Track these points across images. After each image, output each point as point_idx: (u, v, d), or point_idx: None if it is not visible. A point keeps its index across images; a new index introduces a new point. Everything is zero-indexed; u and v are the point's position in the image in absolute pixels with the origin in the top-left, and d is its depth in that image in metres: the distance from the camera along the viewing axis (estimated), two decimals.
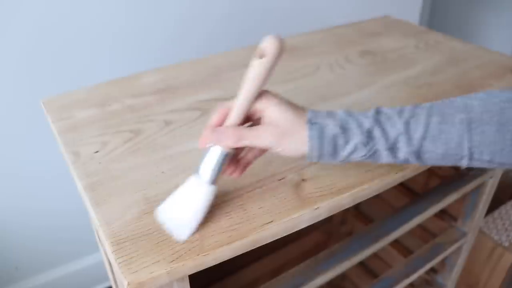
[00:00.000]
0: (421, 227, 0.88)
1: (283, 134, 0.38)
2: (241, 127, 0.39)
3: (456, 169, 0.72)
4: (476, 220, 0.76)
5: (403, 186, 0.83)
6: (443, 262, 0.84)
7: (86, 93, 0.62)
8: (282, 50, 0.37)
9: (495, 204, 1.05)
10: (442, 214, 0.80)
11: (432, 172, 0.83)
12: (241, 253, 0.39)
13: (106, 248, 0.39)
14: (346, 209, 0.46)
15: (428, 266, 0.72)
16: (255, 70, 0.38)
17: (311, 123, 0.38)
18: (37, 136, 0.92)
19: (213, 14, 1.03)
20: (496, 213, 1.15)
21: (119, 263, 0.36)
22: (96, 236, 0.68)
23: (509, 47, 1.72)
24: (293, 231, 0.42)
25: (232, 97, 0.62)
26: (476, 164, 0.38)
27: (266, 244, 0.41)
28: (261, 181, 0.45)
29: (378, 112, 0.39)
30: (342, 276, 1.11)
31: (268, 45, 0.37)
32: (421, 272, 0.71)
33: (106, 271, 0.72)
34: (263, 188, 0.45)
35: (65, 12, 0.85)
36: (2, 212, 0.97)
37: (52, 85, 0.88)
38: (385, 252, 0.96)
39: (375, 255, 0.80)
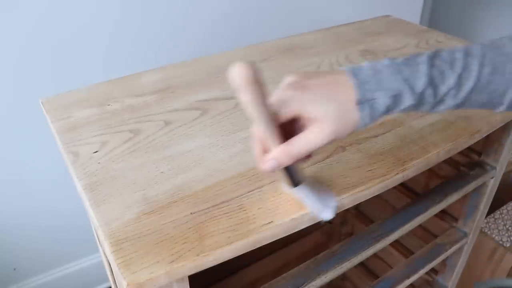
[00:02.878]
0: (421, 227, 0.88)
1: (335, 129, 0.36)
2: (288, 144, 0.37)
3: (457, 169, 0.72)
4: (477, 221, 0.75)
5: (403, 186, 0.83)
6: (443, 263, 0.84)
7: (85, 93, 0.62)
8: (254, 77, 0.34)
9: (496, 205, 1.05)
10: (443, 214, 0.79)
11: (432, 172, 0.82)
12: (241, 253, 0.39)
13: (106, 249, 0.38)
14: (346, 209, 0.46)
15: (428, 267, 0.71)
16: (247, 103, 0.35)
17: (360, 103, 0.36)
18: (36, 136, 0.92)
19: (213, 14, 1.02)
20: (497, 214, 1.15)
21: (119, 263, 0.36)
22: (96, 237, 0.68)
23: None
24: (294, 231, 0.42)
25: (231, 97, 0.62)
26: (509, 110, 0.39)
27: (266, 245, 0.41)
28: (261, 181, 0.45)
29: (432, 61, 0.37)
30: (343, 277, 1.11)
31: (238, 78, 0.34)
32: (421, 272, 0.70)
33: (105, 272, 0.72)
34: (263, 188, 0.44)
35: (64, 12, 0.85)
36: (0, 213, 0.97)
37: (51, 85, 0.88)
38: (385, 252, 0.95)
39: (375, 256, 0.79)
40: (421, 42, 0.79)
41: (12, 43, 0.83)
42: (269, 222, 0.40)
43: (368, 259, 0.58)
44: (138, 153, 0.50)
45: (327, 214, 0.41)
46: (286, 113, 0.37)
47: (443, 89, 0.37)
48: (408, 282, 0.69)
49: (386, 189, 0.47)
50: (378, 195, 0.47)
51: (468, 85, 0.37)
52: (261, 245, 0.40)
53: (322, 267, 0.54)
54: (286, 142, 0.37)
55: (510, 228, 1.10)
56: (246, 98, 0.34)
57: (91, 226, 0.69)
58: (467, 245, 0.79)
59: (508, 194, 1.25)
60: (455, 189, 0.65)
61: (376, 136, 0.53)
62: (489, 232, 1.08)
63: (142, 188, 0.44)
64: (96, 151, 0.50)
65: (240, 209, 0.42)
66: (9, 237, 1.00)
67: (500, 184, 0.74)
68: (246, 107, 0.35)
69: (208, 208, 0.42)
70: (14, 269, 1.05)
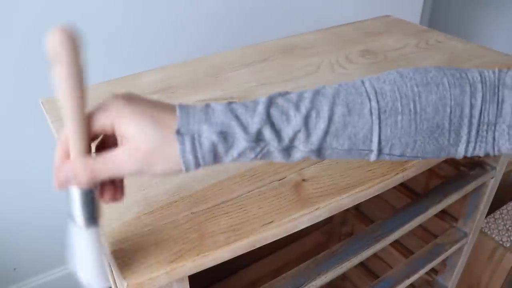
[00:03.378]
0: (421, 227, 0.88)
1: (148, 155, 0.30)
2: (92, 158, 0.31)
3: (457, 169, 0.72)
4: (477, 221, 0.75)
5: (403, 186, 0.83)
6: (443, 263, 0.84)
7: None
8: (75, 44, 0.29)
9: (496, 205, 1.05)
10: (443, 214, 0.79)
11: (432, 172, 0.82)
12: (241, 253, 0.39)
13: (106, 249, 0.38)
14: (346, 209, 0.46)
15: (428, 267, 0.71)
16: (60, 83, 0.29)
17: (179, 134, 0.30)
18: (36, 136, 0.92)
19: (213, 14, 1.02)
20: (497, 214, 1.15)
21: (119, 263, 0.36)
22: None
23: (509, 47, 1.72)
24: (293, 231, 0.42)
25: (231, 97, 0.62)
26: (384, 158, 0.34)
27: (266, 245, 0.41)
28: (261, 181, 0.45)
29: (271, 103, 0.32)
30: (343, 277, 1.11)
31: (56, 45, 0.28)
32: (421, 272, 0.70)
33: None
34: (263, 188, 0.44)
35: (64, 12, 0.85)
36: (0, 213, 0.97)
37: (51, 85, 0.88)
38: (385, 252, 0.95)
39: (375, 256, 0.79)
40: (421, 42, 0.79)
41: (12, 43, 0.83)
42: (269, 222, 0.40)
43: (368, 259, 0.58)
44: None
45: (89, 283, 0.33)
46: (101, 121, 0.31)
47: (288, 131, 0.32)
48: (408, 282, 0.69)
49: (386, 189, 0.47)
50: (378, 195, 0.47)
51: (320, 127, 0.32)
52: (261, 245, 0.40)
53: (322, 267, 0.54)
54: (91, 156, 0.31)
55: (510, 228, 1.10)
56: (61, 69, 0.28)
57: None
58: (467, 245, 0.79)
59: (508, 194, 1.25)
60: (455, 189, 0.65)
61: None
62: (489, 232, 1.08)
63: (142, 188, 0.44)
64: None
65: (240, 209, 0.42)
66: (9, 237, 1.00)
67: (500, 184, 0.74)
68: (58, 88, 0.29)
69: (208, 208, 0.42)
70: (14, 269, 1.05)
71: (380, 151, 0.33)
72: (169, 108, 0.32)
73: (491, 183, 0.71)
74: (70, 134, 0.30)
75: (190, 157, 0.31)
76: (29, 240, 1.03)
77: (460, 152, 0.35)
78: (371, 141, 0.33)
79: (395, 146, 0.33)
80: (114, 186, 0.34)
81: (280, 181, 0.46)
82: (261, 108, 0.32)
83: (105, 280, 0.34)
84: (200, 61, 0.72)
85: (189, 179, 0.45)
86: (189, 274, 0.38)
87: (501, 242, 1.06)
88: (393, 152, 0.33)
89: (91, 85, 0.65)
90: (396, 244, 0.88)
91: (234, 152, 0.32)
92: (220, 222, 0.40)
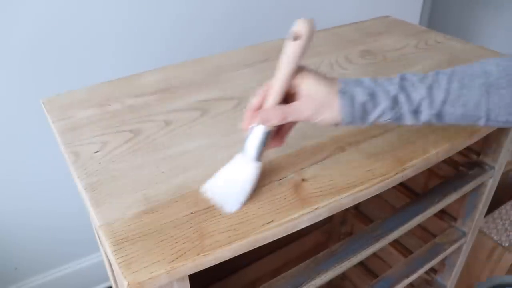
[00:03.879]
0: (421, 227, 0.88)
1: (320, 106, 0.41)
2: (283, 105, 0.42)
3: (456, 169, 0.72)
4: (476, 220, 0.76)
5: (403, 186, 0.83)
6: (442, 262, 0.84)
7: (86, 93, 0.62)
8: (313, 32, 0.41)
9: (495, 204, 1.05)
10: (442, 214, 0.80)
11: (432, 172, 0.83)
12: (241, 253, 0.39)
13: (106, 248, 0.39)
14: (346, 209, 0.46)
15: (428, 266, 0.72)
16: (291, 50, 0.41)
17: (342, 92, 0.41)
18: (37, 136, 0.92)
19: (213, 14, 1.03)
20: (496, 213, 1.15)
21: (119, 263, 0.36)
22: (96, 236, 0.68)
23: (509, 47, 1.72)
24: (293, 231, 0.42)
25: (231, 97, 0.63)
26: (492, 124, 0.42)
27: (266, 244, 0.41)
28: (261, 181, 0.45)
29: (402, 78, 0.42)
30: (342, 276, 1.11)
31: (301, 27, 0.40)
32: (421, 272, 0.71)
33: (106, 271, 0.72)
34: (263, 188, 0.45)
35: (65, 12, 0.85)
36: (1, 213, 0.97)
37: (52, 85, 0.88)
38: (385, 252, 0.96)
39: (375, 255, 0.80)
40: (421, 42, 0.80)
41: (13, 43, 0.83)
42: (269, 222, 0.40)
43: (367, 258, 0.59)
44: (139, 153, 0.50)
45: (231, 208, 0.42)
46: (294, 82, 0.42)
47: (415, 96, 0.41)
48: (407, 281, 0.69)
49: (385, 189, 0.48)
50: (377, 195, 0.48)
51: (440, 96, 0.41)
52: (261, 245, 0.40)
53: (322, 266, 0.54)
54: (282, 105, 0.42)
55: (508, 227, 1.10)
56: (293, 49, 0.40)
57: (92, 226, 0.69)
58: (466, 244, 0.79)
59: (506, 193, 1.25)
60: (454, 189, 0.66)
61: (376, 136, 0.53)
62: (488, 232, 1.09)
63: (142, 188, 0.45)
64: (97, 151, 0.50)
65: (240, 208, 0.42)
66: (10, 237, 1.01)
67: (498, 183, 0.75)
68: (283, 60, 0.41)
69: (208, 207, 0.42)
70: (15, 268, 1.05)
71: (487, 118, 0.41)
72: (332, 78, 0.43)
73: (490, 183, 0.71)
74: (274, 89, 0.42)
75: (347, 109, 0.41)
76: (30, 240, 1.03)
77: None
78: (480, 109, 0.41)
79: (500, 114, 0.40)
80: (280, 135, 0.45)
81: (280, 181, 0.46)
82: (396, 80, 0.42)
83: (239, 208, 0.42)
84: (201, 61, 0.72)
85: (189, 179, 0.46)
86: (189, 274, 0.38)
87: (499, 242, 1.06)
88: (499, 119, 0.41)
89: (93, 86, 0.65)
90: (395, 243, 0.88)
91: (378, 110, 0.42)
92: (220, 222, 0.40)
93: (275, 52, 0.76)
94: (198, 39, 1.03)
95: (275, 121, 0.42)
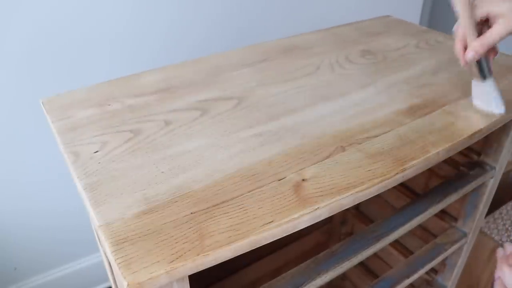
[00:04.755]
0: (421, 227, 0.88)
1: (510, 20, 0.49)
2: (481, 38, 0.51)
3: (456, 169, 0.72)
4: (476, 221, 0.75)
5: (403, 186, 0.83)
6: (443, 263, 0.84)
7: (86, 93, 0.62)
8: None
9: (495, 204, 1.05)
10: (443, 214, 0.80)
11: (432, 172, 0.83)
12: (241, 253, 0.39)
13: (106, 249, 0.39)
14: (346, 209, 0.46)
15: (428, 267, 0.71)
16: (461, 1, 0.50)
17: None
18: (37, 136, 0.92)
19: (213, 14, 1.03)
20: (496, 213, 1.15)
21: (119, 263, 0.36)
22: (96, 236, 0.68)
23: (509, 47, 1.72)
24: (293, 231, 0.42)
25: (231, 97, 0.62)
26: None
27: (266, 244, 0.41)
28: (261, 181, 0.45)
29: None
30: (343, 276, 1.11)
31: None
32: (421, 272, 0.71)
33: (105, 271, 0.72)
34: (263, 188, 0.45)
35: (65, 12, 0.85)
36: (1, 213, 0.97)
37: (51, 85, 0.88)
38: (385, 252, 0.95)
39: (375, 256, 0.80)
40: (421, 42, 0.80)
41: (12, 43, 0.83)
42: (269, 222, 0.40)
43: (368, 258, 0.58)
44: (139, 153, 0.50)
45: (502, 109, 0.56)
46: (479, 14, 0.51)
47: None
48: (407, 281, 0.69)
49: (386, 189, 0.48)
50: (378, 195, 0.47)
51: None
52: (261, 245, 0.40)
53: (322, 266, 0.54)
54: (479, 37, 0.51)
55: (509, 228, 1.10)
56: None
57: (91, 226, 0.69)
58: (467, 245, 0.79)
59: (507, 194, 1.25)
60: (454, 189, 0.65)
61: (376, 136, 0.53)
62: (488, 232, 1.08)
63: (142, 188, 0.44)
64: (97, 151, 0.50)
65: (240, 209, 0.42)
66: (10, 237, 1.01)
67: (499, 184, 0.74)
68: (457, 6, 0.51)
69: (208, 208, 0.42)
70: (15, 268, 1.05)
71: None
72: None
73: (491, 183, 0.71)
74: (466, 30, 0.52)
75: None
76: (30, 240, 1.03)
77: None
78: None
79: None
80: (493, 48, 0.54)
81: (280, 181, 0.46)
82: None
83: (502, 108, 0.57)
84: (200, 61, 0.72)
85: (189, 179, 0.46)
86: (189, 274, 0.38)
87: (500, 242, 1.06)
88: None
89: (92, 86, 0.65)
90: (396, 244, 0.88)
91: None
92: (220, 222, 0.40)
93: (275, 52, 0.76)
94: (197, 38, 1.03)
95: (482, 51, 0.51)
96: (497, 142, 0.68)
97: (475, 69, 0.56)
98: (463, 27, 0.52)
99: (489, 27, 0.52)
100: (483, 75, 0.55)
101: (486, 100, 0.57)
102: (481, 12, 0.51)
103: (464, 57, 0.54)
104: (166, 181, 0.45)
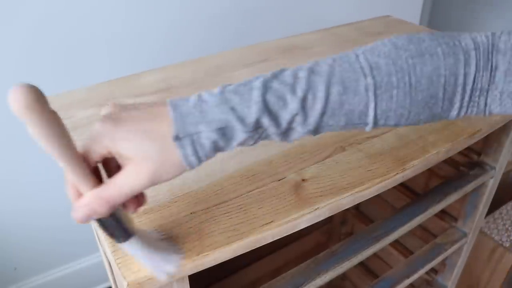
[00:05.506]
0: (421, 227, 0.88)
1: (154, 171, 0.30)
2: (103, 188, 0.31)
3: (456, 169, 0.72)
4: (476, 221, 0.75)
5: (403, 186, 0.83)
6: (443, 263, 0.84)
7: (86, 93, 0.62)
8: (37, 104, 0.29)
9: (495, 204, 1.05)
10: (443, 214, 0.80)
11: (432, 172, 0.83)
12: (241, 253, 0.39)
13: (106, 248, 0.39)
14: (346, 209, 0.46)
15: (428, 267, 0.71)
16: (38, 140, 0.29)
17: (178, 139, 0.30)
18: None
19: (212, 14, 1.02)
20: (496, 213, 1.15)
21: (119, 263, 0.36)
22: (96, 236, 0.68)
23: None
24: (293, 231, 0.42)
25: None
26: (379, 127, 0.35)
27: (266, 244, 0.41)
28: (261, 181, 0.45)
29: (266, 88, 0.31)
30: (343, 276, 1.11)
31: (13, 101, 0.29)
32: (421, 272, 0.71)
33: (105, 272, 0.72)
34: (263, 188, 0.45)
35: (64, 11, 0.85)
36: (1, 213, 0.97)
37: (51, 85, 0.88)
38: (385, 252, 0.95)
39: (375, 256, 0.80)
40: None
41: (12, 43, 0.83)
42: (269, 222, 0.40)
43: (368, 258, 0.58)
44: None
45: (166, 270, 0.35)
46: (98, 151, 0.31)
47: (285, 116, 0.32)
48: (407, 281, 0.69)
49: (386, 189, 0.48)
50: (378, 195, 0.47)
51: (317, 108, 0.32)
52: (261, 245, 0.40)
53: (322, 266, 0.54)
54: (99, 187, 0.31)
55: (509, 228, 1.10)
56: (32, 130, 0.28)
57: (91, 226, 0.69)
58: (467, 245, 0.79)
59: (507, 194, 1.25)
60: (454, 189, 0.65)
61: (376, 136, 0.53)
62: (488, 232, 1.08)
63: None
64: None
65: (240, 209, 0.42)
66: (10, 237, 1.01)
67: (499, 184, 0.74)
68: (38, 142, 0.29)
69: (208, 208, 0.42)
70: (15, 268, 1.05)
71: (375, 123, 0.34)
72: (160, 113, 0.31)
73: (491, 183, 0.71)
74: (72, 178, 0.31)
75: (193, 158, 0.31)
76: (30, 240, 1.03)
77: (452, 116, 0.36)
78: (366, 115, 0.33)
79: (390, 117, 0.34)
80: (135, 197, 0.34)
81: (280, 181, 0.46)
82: (256, 95, 0.31)
83: (173, 264, 0.36)
84: (200, 61, 0.72)
85: (189, 179, 0.46)
86: (189, 274, 0.38)
87: (500, 242, 1.06)
88: (388, 123, 0.35)
89: (92, 86, 0.65)
90: (396, 244, 0.88)
91: (234, 143, 0.32)
92: (220, 222, 0.40)
93: (274, 52, 0.76)
94: (197, 39, 1.02)
95: (104, 210, 0.30)
96: (497, 142, 0.68)
97: (105, 228, 0.33)
98: (65, 170, 0.31)
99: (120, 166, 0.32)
100: (122, 236, 0.33)
101: (144, 261, 0.35)
102: (100, 149, 0.31)
103: (75, 213, 0.31)
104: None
